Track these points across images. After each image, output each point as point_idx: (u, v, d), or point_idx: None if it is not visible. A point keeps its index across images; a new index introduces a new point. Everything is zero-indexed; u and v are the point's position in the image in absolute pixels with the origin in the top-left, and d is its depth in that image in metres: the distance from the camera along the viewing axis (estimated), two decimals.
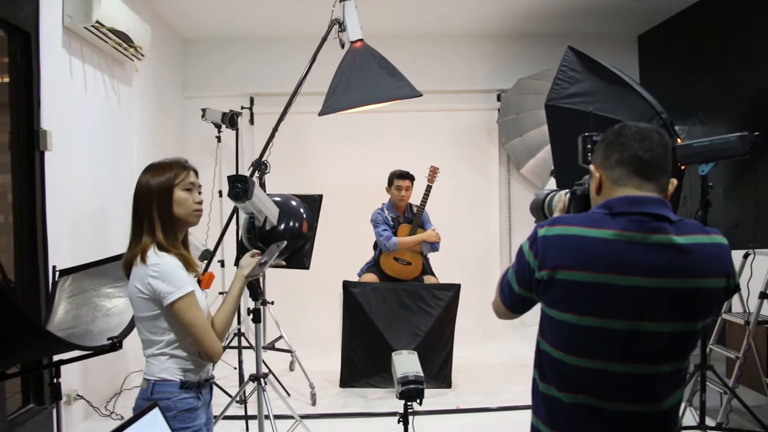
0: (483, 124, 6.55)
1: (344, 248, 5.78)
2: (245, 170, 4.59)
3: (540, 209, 1.87)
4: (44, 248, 3.56)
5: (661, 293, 1.44)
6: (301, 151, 6.34)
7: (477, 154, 6.59)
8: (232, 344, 4.73)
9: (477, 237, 6.56)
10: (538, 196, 1.88)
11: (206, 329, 1.94)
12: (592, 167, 1.62)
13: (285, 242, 2.38)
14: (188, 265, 2.00)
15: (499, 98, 6.48)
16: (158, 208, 1.97)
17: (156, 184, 2.00)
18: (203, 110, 5.37)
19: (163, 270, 1.90)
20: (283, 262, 2.76)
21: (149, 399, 1.92)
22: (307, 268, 3.37)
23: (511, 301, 1.64)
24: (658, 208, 1.50)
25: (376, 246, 5.11)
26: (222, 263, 5.63)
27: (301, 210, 3.42)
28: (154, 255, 1.93)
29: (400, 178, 5.02)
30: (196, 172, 2.12)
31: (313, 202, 3.52)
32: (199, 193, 2.08)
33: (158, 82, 5.62)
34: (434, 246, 5.00)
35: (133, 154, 4.90)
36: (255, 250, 2.33)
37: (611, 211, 1.51)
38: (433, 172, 5.05)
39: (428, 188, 5.00)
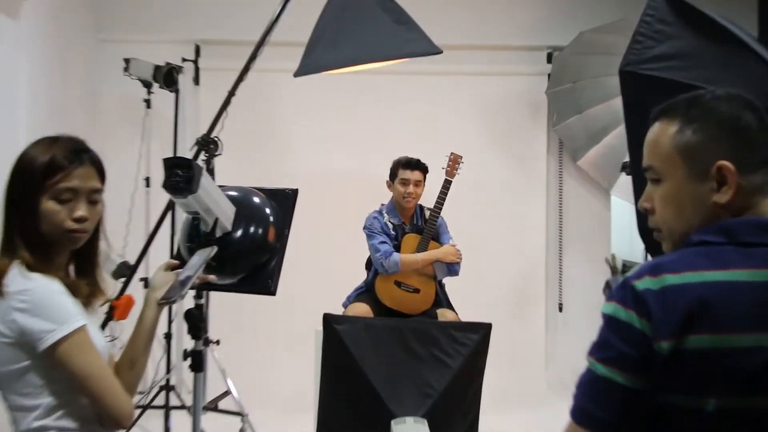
0: (526, 94, 6.48)
1: (325, 266, 5.81)
2: (187, 150, 4.65)
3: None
4: None
5: None
6: (268, 127, 6.29)
7: (516, 137, 6.52)
8: (155, 403, 4.69)
9: (514, 255, 6.51)
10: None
11: (108, 380, 1.87)
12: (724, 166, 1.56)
13: (215, 248, 2.35)
14: (76, 292, 1.93)
15: (550, 58, 6.44)
16: (18, 220, 1.89)
17: (17, 183, 1.92)
18: (126, 61, 5.34)
19: (35, 299, 1.81)
20: (212, 277, 2.71)
21: None
22: (273, 293, 3.28)
23: (619, 410, 1.51)
24: None
25: (369, 264, 5.09)
26: (146, 282, 5.60)
27: (267, 210, 3.34)
28: (20, 278, 1.83)
29: (407, 167, 5.03)
30: (96, 165, 1.99)
31: (284, 200, 3.43)
32: (93, 201, 1.96)
33: (60, 17, 5.48)
34: (453, 268, 5.00)
35: (19, 118, 4.77)
36: (172, 261, 2.28)
37: (734, 239, 1.50)
38: (454, 161, 5.01)
39: (446, 184, 4.98)
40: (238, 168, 5.27)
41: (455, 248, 5.00)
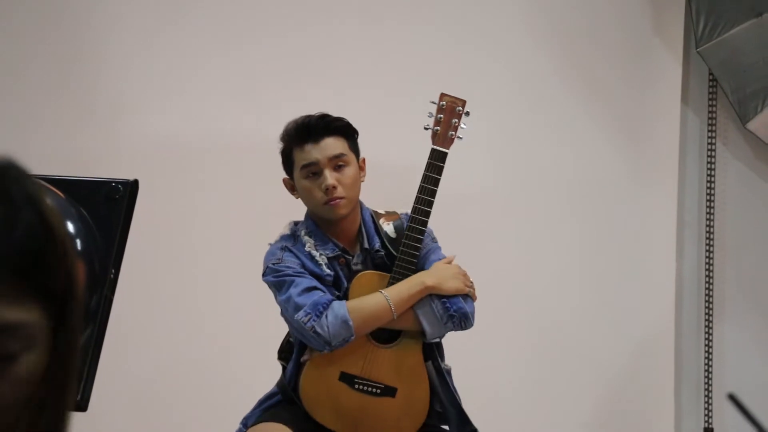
0: None
1: (200, 347, 4.58)
2: None
3: None
4: None
5: None
6: (74, 42, 4.64)
7: (615, 72, 4.74)
8: None
9: (609, 324, 4.72)
10: None
11: None
12: None
13: None
14: None
15: None
16: None
17: None
18: None
19: None
20: None
21: None
22: (83, 407, 2.06)
23: None
24: None
25: (287, 350, 3.54)
26: None
27: (69, 228, 2.38)
28: None
29: (303, 139, 3.61)
30: None
31: (108, 204, 2.23)
32: None
33: None
34: (455, 305, 3.44)
35: None
36: None
37: None
38: (449, 111, 3.48)
39: (436, 160, 3.45)
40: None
41: (454, 264, 3.50)
